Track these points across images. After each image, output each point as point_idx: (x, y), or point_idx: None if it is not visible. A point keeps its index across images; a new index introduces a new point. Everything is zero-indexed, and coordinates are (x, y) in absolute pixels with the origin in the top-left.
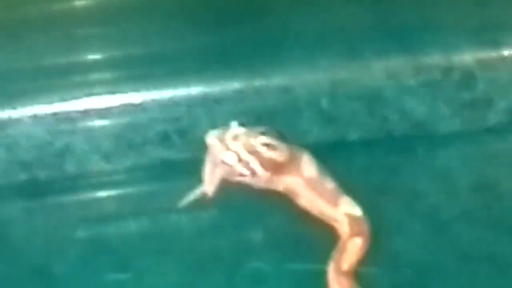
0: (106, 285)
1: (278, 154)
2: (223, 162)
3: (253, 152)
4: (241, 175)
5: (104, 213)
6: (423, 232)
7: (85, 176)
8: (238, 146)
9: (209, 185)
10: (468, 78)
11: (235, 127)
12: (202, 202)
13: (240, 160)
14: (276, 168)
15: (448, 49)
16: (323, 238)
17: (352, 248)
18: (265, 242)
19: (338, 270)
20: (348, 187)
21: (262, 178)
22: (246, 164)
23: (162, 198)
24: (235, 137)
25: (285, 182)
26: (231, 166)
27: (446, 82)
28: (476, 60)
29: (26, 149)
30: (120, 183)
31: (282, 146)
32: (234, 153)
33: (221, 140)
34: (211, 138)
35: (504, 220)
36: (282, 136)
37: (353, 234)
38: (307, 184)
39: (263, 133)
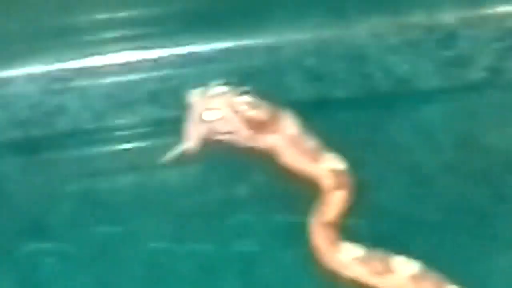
0: (98, 237)
1: (259, 113)
2: (205, 120)
3: (235, 111)
4: (223, 132)
5: (96, 169)
6: (406, 186)
7: (78, 134)
8: (219, 104)
9: (190, 142)
10: (450, 36)
11: (218, 86)
12: (184, 158)
13: (221, 118)
14: (257, 126)
15: (430, 8)
16: (306, 192)
17: (335, 200)
18: (249, 196)
19: (321, 222)
20: (333, 143)
21: (243, 136)
22: (227, 122)
23: (151, 155)
24: (217, 96)
25: (268, 141)
26: (212, 123)
27: (428, 40)
28: (458, 19)
29: (20, 108)
30: (111, 140)
31: (263, 105)
32: (215, 111)
33: (204, 98)
34: (194, 96)
35: (484, 173)
36: (264, 96)
37: (336, 187)
38: (289, 142)
39: (245, 92)
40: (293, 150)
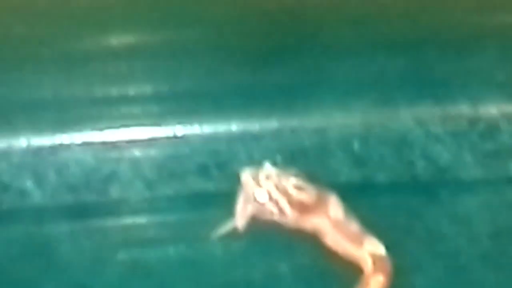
0: None
1: (307, 196)
2: (254, 199)
3: (284, 192)
4: (271, 213)
5: (144, 238)
6: (443, 273)
7: (128, 202)
8: (269, 185)
9: (240, 219)
10: (492, 129)
11: (268, 167)
12: (232, 236)
13: (270, 198)
14: (303, 208)
15: (474, 100)
16: (348, 274)
17: (374, 285)
18: (292, 275)
19: None
20: (373, 226)
21: (290, 217)
22: (276, 203)
23: (198, 227)
24: (268, 177)
25: (313, 222)
26: (262, 203)
27: (471, 131)
28: (501, 112)
29: (74, 174)
30: (160, 210)
31: (310, 188)
32: (265, 191)
33: (255, 178)
34: (245, 175)
35: None
36: (311, 178)
37: (376, 271)
38: (333, 225)
39: (294, 175)
40: (337, 232)
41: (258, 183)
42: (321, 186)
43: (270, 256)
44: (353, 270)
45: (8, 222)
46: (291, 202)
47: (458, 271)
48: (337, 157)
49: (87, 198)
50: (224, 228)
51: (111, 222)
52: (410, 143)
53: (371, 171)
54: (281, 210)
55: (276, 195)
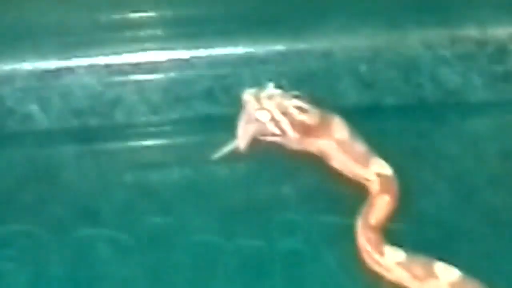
0: (148, 226)
1: (309, 118)
2: (256, 119)
3: (285, 113)
4: (272, 133)
5: (150, 161)
6: (450, 195)
7: (133, 126)
8: (271, 106)
9: (241, 140)
10: (501, 51)
11: (271, 88)
12: (234, 156)
13: (272, 119)
14: (306, 130)
15: (483, 23)
16: (354, 194)
17: (381, 204)
18: (297, 196)
19: (366, 224)
20: (381, 149)
21: (292, 138)
22: (277, 124)
23: (204, 149)
24: (270, 97)
25: (318, 145)
26: (263, 123)
27: (480, 54)
28: (510, 35)
29: (79, 98)
30: (165, 134)
31: (313, 110)
32: (267, 112)
33: (257, 98)
34: (247, 95)
35: None
36: (315, 101)
37: (382, 191)
38: (339, 146)
39: (297, 97)
40: (343, 154)
41: (260, 103)
42: (326, 109)
43: (275, 178)
44: (359, 192)
45: (12, 146)
46: (293, 123)
47: (465, 193)
48: (344, 81)
49: (92, 122)
50: (226, 149)
51: (116, 146)
52: (418, 66)
53: (378, 94)
54: (282, 131)
55: (278, 115)
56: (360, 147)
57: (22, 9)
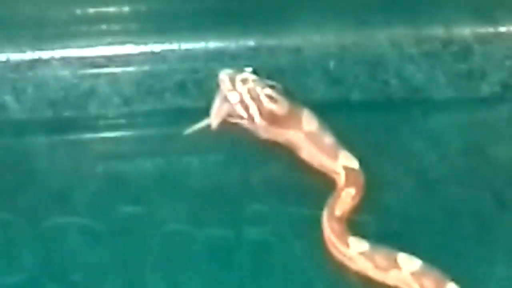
0: (119, 215)
1: (277, 108)
2: (227, 100)
3: (255, 99)
4: (240, 116)
5: (122, 151)
6: (414, 188)
7: (106, 117)
8: (243, 89)
9: (214, 118)
10: (465, 50)
11: (247, 72)
12: (207, 135)
13: (241, 101)
14: (274, 119)
15: (448, 23)
16: (322, 186)
17: (346, 197)
18: (266, 186)
19: (332, 216)
20: (348, 143)
21: (258, 125)
22: (246, 108)
23: (175, 141)
24: (244, 81)
25: (287, 136)
26: (232, 104)
27: (444, 53)
28: (474, 35)
29: (53, 89)
30: (137, 125)
31: (283, 101)
32: (238, 94)
33: (231, 79)
34: (223, 74)
35: (489, 182)
36: (287, 94)
37: (348, 184)
38: (308, 138)
39: (270, 86)
40: (311, 145)
41: (233, 84)
42: (295, 101)
43: (245, 169)
44: (327, 184)
45: None
46: (261, 109)
47: (427, 186)
48: (313, 76)
49: (66, 113)
50: (198, 126)
51: (89, 136)
52: (384, 64)
53: (346, 90)
54: (250, 116)
55: (247, 99)
56: (328, 139)
57: None
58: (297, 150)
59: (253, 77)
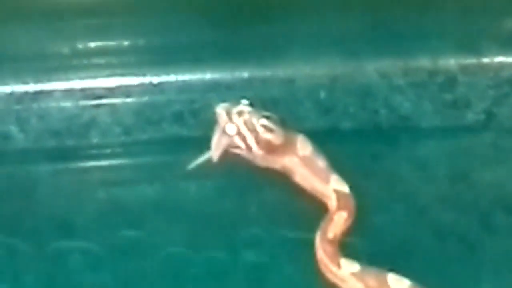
0: (120, 239)
1: (273, 137)
2: (226, 132)
3: (252, 130)
4: (238, 147)
5: (122, 178)
6: (403, 213)
7: (107, 146)
8: (239, 121)
9: (214, 151)
10: (450, 80)
11: (243, 105)
12: (207, 166)
13: (239, 133)
14: (270, 148)
15: (434, 54)
16: (314, 210)
17: (338, 220)
18: (262, 211)
19: (324, 238)
20: (338, 170)
21: (256, 155)
22: (243, 139)
23: (173, 168)
24: (240, 113)
25: (282, 161)
26: (230, 137)
27: (431, 83)
28: (459, 65)
29: (56, 119)
30: (137, 154)
31: (279, 131)
32: (235, 126)
33: (228, 112)
34: (220, 109)
35: (474, 206)
36: (282, 123)
37: (340, 208)
38: (302, 162)
39: (265, 116)
40: (305, 169)
41: (230, 117)
42: (289, 129)
43: (241, 194)
44: (319, 208)
45: None
46: (258, 140)
47: (415, 210)
48: (305, 106)
49: (68, 142)
50: (199, 160)
51: (90, 164)
52: (373, 94)
53: (337, 118)
54: (248, 146)
55: (244, 131)
56: (321, 163)
57: (3, 36)
58: (291, 175)
59: (249, 109)
